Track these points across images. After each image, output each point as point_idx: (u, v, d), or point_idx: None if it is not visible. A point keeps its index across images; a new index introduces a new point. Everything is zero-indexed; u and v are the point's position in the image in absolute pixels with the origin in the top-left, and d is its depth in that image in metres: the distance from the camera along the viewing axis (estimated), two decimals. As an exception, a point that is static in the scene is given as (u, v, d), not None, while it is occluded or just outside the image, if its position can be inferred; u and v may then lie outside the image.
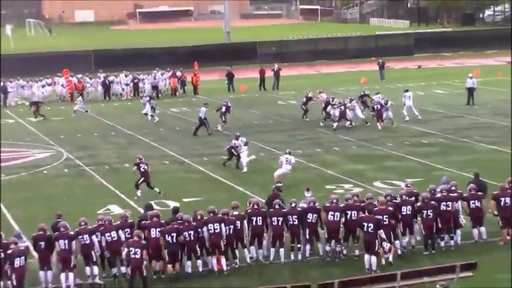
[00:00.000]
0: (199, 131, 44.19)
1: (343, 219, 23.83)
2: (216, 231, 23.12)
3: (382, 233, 23.00)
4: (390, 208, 23.77)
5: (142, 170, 31.44)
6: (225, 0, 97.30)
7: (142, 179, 31.38)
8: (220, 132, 44.43)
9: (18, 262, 21.51)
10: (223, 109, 45.14)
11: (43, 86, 60.44)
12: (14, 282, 21.39)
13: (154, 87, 60.56)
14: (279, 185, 30.44)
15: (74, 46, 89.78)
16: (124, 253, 22.13)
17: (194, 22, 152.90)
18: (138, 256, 21.74)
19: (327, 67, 77.17)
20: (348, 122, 44.26)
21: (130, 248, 21.88)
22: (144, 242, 22.15)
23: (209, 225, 23.12)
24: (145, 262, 21.99)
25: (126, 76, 61.70)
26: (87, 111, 52.30)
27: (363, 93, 48.08)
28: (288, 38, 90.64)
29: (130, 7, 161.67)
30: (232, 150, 35.93)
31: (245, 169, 35.46)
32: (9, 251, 21.58)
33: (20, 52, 79.63)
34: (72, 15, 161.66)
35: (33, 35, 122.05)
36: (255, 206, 24.13)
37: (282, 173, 32.36)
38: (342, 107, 44.03)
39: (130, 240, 22.28)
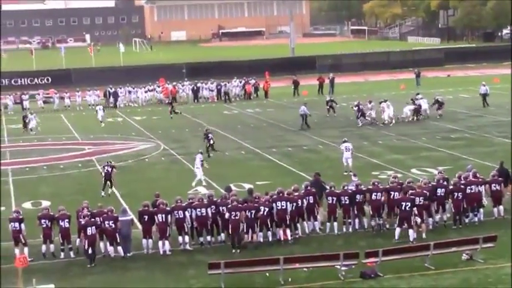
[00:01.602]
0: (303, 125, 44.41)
1: (382, 198, 23.60)
2: (283, 208, 23.00)
3: (415, 210, 22.69)
4: (425, 191, 23.40)
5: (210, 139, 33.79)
6: (290, 22, 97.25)
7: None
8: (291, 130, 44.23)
9: (90, 231, 21.71)
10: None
11: (146, 92, 61.02)
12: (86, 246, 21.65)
13: (226, 93, 60.35)
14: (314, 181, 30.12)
15: (170, 60, 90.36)
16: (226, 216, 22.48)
17: (265, 40, 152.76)
18: (237, 217, 22.37)
19: (372, 76, 76.39)
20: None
21: (232, 212, 22.37)
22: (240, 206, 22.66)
23: (277, 203, 23.03)
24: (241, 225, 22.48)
25: (211, 83, 61.85)
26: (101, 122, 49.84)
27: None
28: (341, 53, 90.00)
29: (215, 28, 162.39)
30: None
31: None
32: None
33: (128, 65, 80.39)
34: (168, 35, 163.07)
35: (138, 51, 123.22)
36: (308, 188, 24.01)
37: (348, 162, 32.11)
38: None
39: (230, 206, 22.54)
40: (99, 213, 22.50)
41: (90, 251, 21.55)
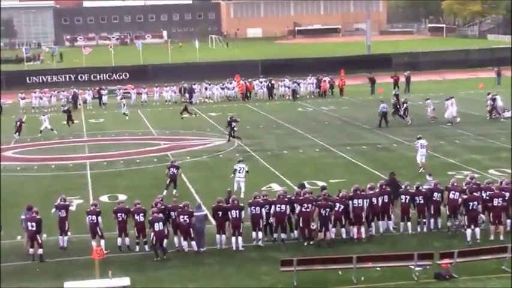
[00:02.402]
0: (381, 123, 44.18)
1: (460, 200, 23.18)
2: (359, 205, 22.87)
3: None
4: (504, 192, 22.92)
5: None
6: (367, 19, 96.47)
7: None
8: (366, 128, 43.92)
9: (157, 226, 21.88)
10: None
11: (222, 89, 61.38)
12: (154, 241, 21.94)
13: (294, 91, 60.14)
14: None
15: (245, 56, 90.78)
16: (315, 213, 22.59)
17: (341, 37, 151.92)
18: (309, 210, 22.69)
19: (450, 74, 75.20)
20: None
21: (303, 205, 22.59)
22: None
23: (354, 200, 22.92)
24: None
25: (289, 80, 61.87)
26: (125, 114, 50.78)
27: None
28: (417, 51, 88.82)
29: (290, 25, 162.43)
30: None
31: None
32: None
33: (203, 61, 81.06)
34: (244, 32, 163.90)
35: (214, 48, 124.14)
36: (383, 187, 23.79)
37: (422, 159, 31.80)
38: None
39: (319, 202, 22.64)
40: (173, 207, 22.76)
41: (157, 246, 21.84)
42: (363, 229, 22.93)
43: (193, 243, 22.34)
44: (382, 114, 44.01)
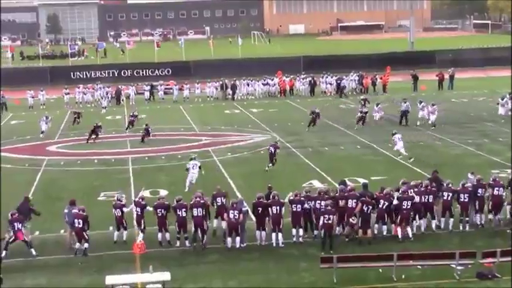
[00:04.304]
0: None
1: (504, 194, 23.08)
2: (408, 206, 22.68)
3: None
4: None
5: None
6: (410, 16, 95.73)
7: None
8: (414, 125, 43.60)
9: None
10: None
11: (264, 85, 61.36)
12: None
13: (342, 87, 59.81)
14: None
15: (287, 53, 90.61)
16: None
17: (385, 34, 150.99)
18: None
19: (495, 72, 74.22)
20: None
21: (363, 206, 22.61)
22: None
23: (403, 202, 22.68)
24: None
25: (331, 77, 61.64)
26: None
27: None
28: (462, 47, 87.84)
29: (333, 21, 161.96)
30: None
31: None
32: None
33: (246, 57, 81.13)
34: (287, 28, 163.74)
35: (256, 44, 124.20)
36: (427, 186, 23.65)
37: (402, 150, 33.68)
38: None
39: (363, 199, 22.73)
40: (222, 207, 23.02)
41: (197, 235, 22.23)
42: (409, 228, 22.73)
43: (238, 239, 22.39)
44: (402, 113, 43.59)
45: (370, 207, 22.49)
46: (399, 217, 22.61)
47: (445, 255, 19.75)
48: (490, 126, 42.62)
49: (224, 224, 22.86)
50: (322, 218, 21.97)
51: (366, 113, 44.01)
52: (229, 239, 22.47)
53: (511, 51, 76.59)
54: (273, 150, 32.86)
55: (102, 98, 57.23)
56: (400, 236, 22.54)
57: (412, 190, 23.17)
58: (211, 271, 20.63)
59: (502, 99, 45.05)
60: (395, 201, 22.66)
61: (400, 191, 22.88)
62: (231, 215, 22.33)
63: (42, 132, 43.42)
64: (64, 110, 54.27)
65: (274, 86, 61.39)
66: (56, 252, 22.33)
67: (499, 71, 73.72)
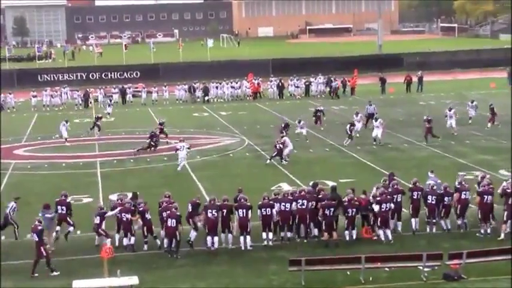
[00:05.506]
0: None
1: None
2: (387, 208, 22.84)
3: None
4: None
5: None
6: (378, 19, 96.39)
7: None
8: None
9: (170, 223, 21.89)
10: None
11: (232, 87, 61.33)
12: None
13: (335, 88, 59.99)
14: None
15: (256, 55, 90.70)
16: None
17: (353, 37, 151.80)
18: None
19: (461, 74, 75.00)
20: None
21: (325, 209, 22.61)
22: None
23: (382, 204, 22.82)
24: None
25: (297, 80, 61.87)
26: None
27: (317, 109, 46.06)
28: (429, 50, 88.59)
29: (302, 24, 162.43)
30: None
31: None
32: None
33: (215, 60, 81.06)
34: (256, 31, 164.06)
35: (225, 47, 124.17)
36: (395, 186, 23.80)
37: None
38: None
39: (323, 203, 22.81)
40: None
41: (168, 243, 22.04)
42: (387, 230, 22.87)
43: (216, 238, 22.41)
44: (368, 116, 43.60)
45: (332, 208, 22.53)
46: (379, 220, 22.77)
47: (412, 257, 19.89)
48: (456, 128, 42.87)
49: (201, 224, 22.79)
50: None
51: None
52: (208, 238, 22.38)
53: (511, 51, 77.32)
54: (281, 147, 34.58)
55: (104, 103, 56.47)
56: (383, 239, 22.65)
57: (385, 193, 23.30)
58: (179, 275, 20.55)
59: (450, 111, 43.40)
60: (376, 207, 22.76)
61: (379, 194, 23.00)
62: (209, 214, 22.31)
63: (66, 138, 41.57)
64: (31, 113, 53.77)
65: (240, 89, 61.35)
66: (23, 257, 22.09)
67: (465, 74, 74.59)
